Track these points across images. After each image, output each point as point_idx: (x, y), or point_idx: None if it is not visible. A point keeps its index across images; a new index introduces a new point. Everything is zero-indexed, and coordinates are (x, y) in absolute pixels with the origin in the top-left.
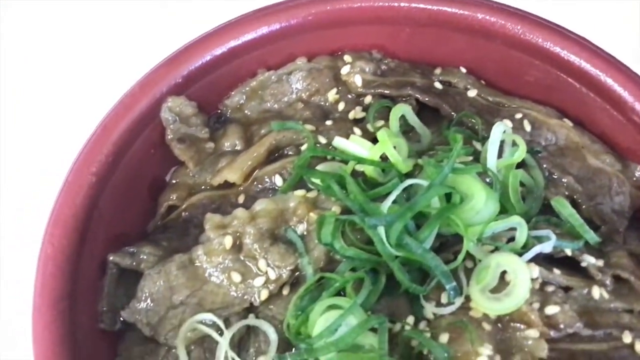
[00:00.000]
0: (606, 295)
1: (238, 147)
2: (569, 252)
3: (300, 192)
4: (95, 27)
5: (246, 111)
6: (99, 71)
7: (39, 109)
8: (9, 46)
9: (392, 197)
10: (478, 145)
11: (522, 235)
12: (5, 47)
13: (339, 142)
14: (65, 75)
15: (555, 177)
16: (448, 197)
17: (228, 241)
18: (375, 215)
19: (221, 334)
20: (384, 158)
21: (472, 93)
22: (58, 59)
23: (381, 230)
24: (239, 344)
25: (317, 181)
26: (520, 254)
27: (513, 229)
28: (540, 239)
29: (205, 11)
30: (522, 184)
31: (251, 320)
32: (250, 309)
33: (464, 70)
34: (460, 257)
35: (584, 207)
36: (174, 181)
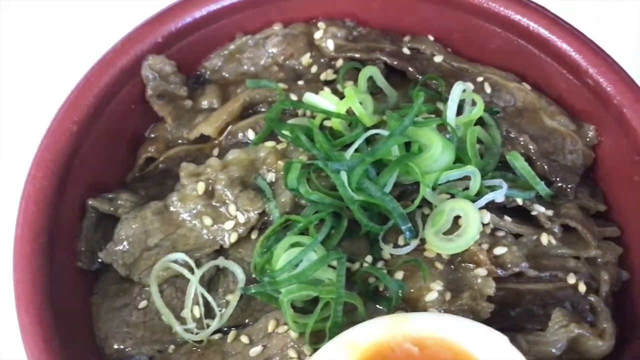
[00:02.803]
0: (554, 242)
1: (215, 106)
2: (520, 201)
3: (270, 143)
4: None
5: (224, 73)
6: (82, 29)
7: (29, 69)
8: None
9: (355, 145)
10: (441, 106)
11: (475, 183)
12: None
13: (308, 97)
14: (50, 33)
15: (513, 136)
16: (408, 148)
17: (201, 187)
18: (338, 161)
19: (193, 273)
20: (350, 114)
21: (438, 59)
22: (43, 19)
23: (343, 174)
24: (209, 283)
25: (287, 133)
26: (473, 201)
27: (469, 179)
28: (493, 188)
29: None
30: (481, 142)
31: (221, 261)
32: (221, 251)
33: (431, 38)
34: (417, 201)
35: (538, 163)
36: (152, 135)
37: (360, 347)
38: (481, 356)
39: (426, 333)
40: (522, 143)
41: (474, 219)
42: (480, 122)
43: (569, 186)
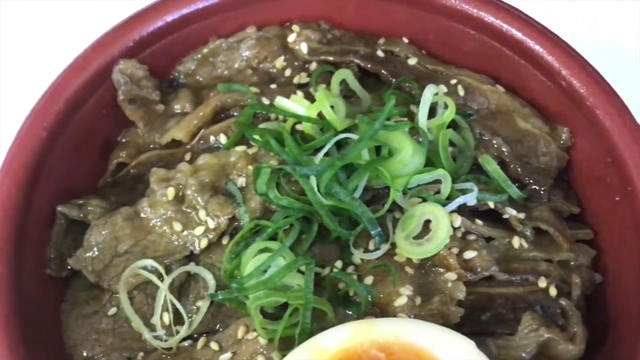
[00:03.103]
0: (526, 245)
1: (188, 110)
2: (491, 204)
3: (241, 148)
4: None
5: (198, 77)
6: (53, 34)
7: (28, 68)
8: None
9: (324, 149)
10: (415, 109)
11: (446, 187)
12: None
13: (279, 101)
14: (50, 34)
15: (486, 138)
16: (379, 152)
17: (171, 192)
18: (307, 166)
19: (162, 280)
20: (323, 118)
21: (412, 61)
22: (43, 19)
23: (312, 179)
24: (180, 290)
25: (257, 137)
26: (444, 205)
27: (441, 182)
28: (465, 192)
29: None
30: (454, 144)
31: (191, 267)
32: (192, 257)
33: (406, 40)
34: (386, 205)
35: (511, 166)
36: (124, 140)
37: (327, 353)
38: None
39: (393, 339)
40: (495, 146)
41: (443, 223)
42: (453, 125)
43: (542, 189)
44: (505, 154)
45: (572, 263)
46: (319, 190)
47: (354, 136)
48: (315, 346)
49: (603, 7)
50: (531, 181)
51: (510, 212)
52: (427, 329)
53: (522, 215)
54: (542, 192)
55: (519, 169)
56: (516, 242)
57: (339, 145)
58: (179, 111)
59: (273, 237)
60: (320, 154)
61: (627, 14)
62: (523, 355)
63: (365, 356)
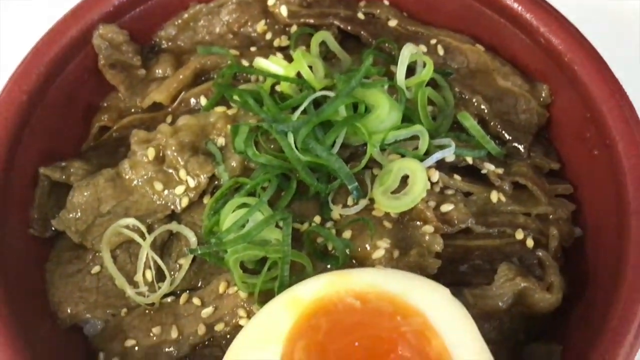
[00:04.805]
0: (504, 199)
1: (169, 75)
2: (470, 160)
3: (220, 109)
4: None
5: (179, 42)
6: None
7: None
8: None
9: (302, 107)
10: (395, 69)
11: (423, 142)
12: None
13: (258, 61)
14: (19, 38)
15: (466, 97)
16: (357, 110)
17: (151, 153)
18: (284, 122)
19: (144, 238)
20: (301, 78)
21: (392, 23)
22: (14, 22)
23: (290, 136)
24: (162, 248)
25: (236, 97)
26: (422, 160)
27: (419, 139)
28: (443, 148)
29: None
30: (434, 104)
31: (173, 225)
32: (173, 216)
33: (386, 2)
34: (364, 160)
35: (491, 124)
36: (106, 104)
37: (303, 302)
38: (421, 307)
39: (368, 287)
40: (475, 104)
41: (420, 177)
42: (433, 84)
43: (522, 145)
44: (485, 112)
45: (550, 216)
46: (296, 147)
47: (331, 94)
48: (292, 296)
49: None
50: (511, 138)
51: (489, 167)
52: (401, 277)
53: (500, 170)
54: (522, 149)
55: (498, 127)
56: (494, 196)
57: (318, 105)
58: (160, 76)
59: (252, 194)
60: (298, 112)
61: (628, 14)
62: (500, 304)
63: (340, 304)
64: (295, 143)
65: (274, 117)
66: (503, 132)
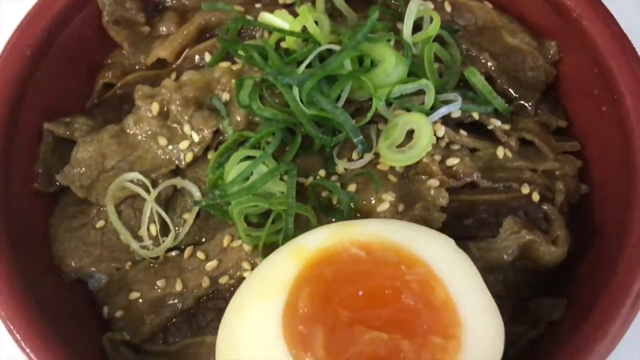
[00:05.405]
0: (510, 155)
1: (173, 32)
2: (476, 115)
3: (225, 64)
4: None
5: (184, 0)
6: None
7: None
8: None
9: (307, 61)
10: (401, 26)
11: (430, 97)
12: None
13: (263, 16)
14: None
15: (473, 54)
16: (362, 65)
17: (155, 108)
18: (289, 75)
19: (149, 193)
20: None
21: None
22: (14, 22)
23: (295, 89)
24: (167, 203)
25: (241, 52)
26: (428, 115)
27: (425, 94)
28: (449, 103)
29: None
30: (440, 61)
31: (177, 180)
32: (178, 171)
33: None
34: (369, 113)
35: (498, 81)
36: (110, 61)
37: (308, 252)
38: (426, 257)
39: (373, 238)
40: (482, 61)
41: (426, 131)
42: (440, 41)
43: (529, 103)
44: (492, 69)
45: (557, 172)
46: (301, 100)
47: (337, 47)
48: (297, 246)
49: None
50: (518, 96)
51: (495, 123)
52: (406, 228)
53: (507, 127)
54: (529, 107)
55: (505, 84)
56: (500, 152)
57: (324, 61)
58: (164, 33)
59: (257, 148)
60: (303, 65)
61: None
62: (505, 256)
63: (345, 254)
64: (300, 96)
65: (279, 71)
66: (510, 89)
